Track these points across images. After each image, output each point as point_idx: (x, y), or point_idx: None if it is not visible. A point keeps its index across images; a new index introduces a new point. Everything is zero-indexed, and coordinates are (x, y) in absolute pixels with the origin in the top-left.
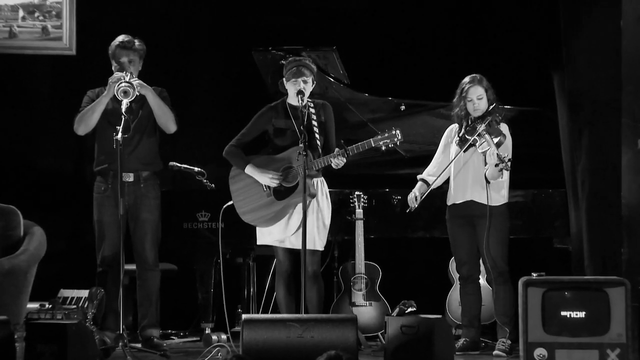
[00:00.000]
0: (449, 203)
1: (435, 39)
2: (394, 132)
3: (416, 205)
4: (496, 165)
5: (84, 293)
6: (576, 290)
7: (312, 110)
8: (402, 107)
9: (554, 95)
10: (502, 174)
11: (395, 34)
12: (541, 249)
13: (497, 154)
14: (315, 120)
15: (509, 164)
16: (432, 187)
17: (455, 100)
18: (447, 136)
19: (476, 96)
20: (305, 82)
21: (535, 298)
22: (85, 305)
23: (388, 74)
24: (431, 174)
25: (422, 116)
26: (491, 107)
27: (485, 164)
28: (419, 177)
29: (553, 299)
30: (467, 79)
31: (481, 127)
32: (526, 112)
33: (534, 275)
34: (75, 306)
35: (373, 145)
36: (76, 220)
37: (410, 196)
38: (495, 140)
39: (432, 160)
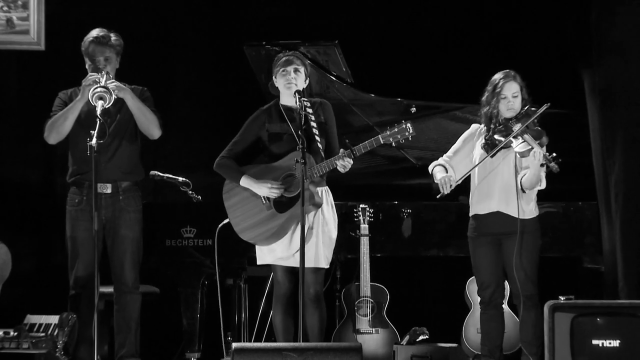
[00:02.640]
0: (471, 213)
1: (451, 33)
2: (404, 125)
3: (448, 192)
4: (542, 164)
5: (54, 319)
6: (609, 316)
7: (310, 110)
8: (413, 109)
9: (584, 96)
10: (541, 182)
11: (405, 26)
12: (570, 270)
13: (543, 154)
14: (314, 121)
15: (559, 160)
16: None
17: (485, 97)
18: (471, 133)
19: (511, 93)
20: (296, 71)
21: (563, 325)
22: (55, 333)
23: (397, 71)
24: (449, 163)
25: (435, 119)
26: (526, 107)
27: (516, 171)
28: (434, 163)
29: (583, 326)
30: (500, 75)
31: (518, 128)
32: (552, 114)
33: (562, 299)
34: (43, 334)
35: (382, 141)
36: (45, 236)
37: (444, 178)
38: (537, 140)
39: (450, 152)
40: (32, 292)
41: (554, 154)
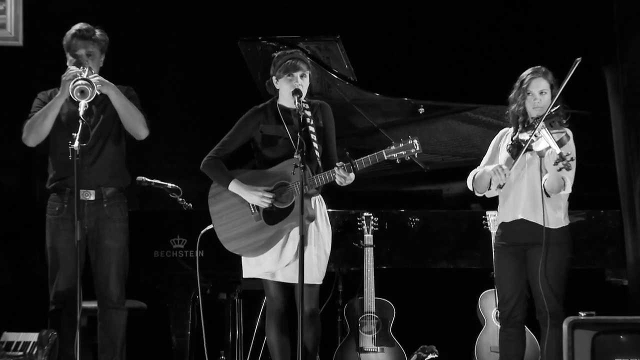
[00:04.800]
0: (497, 221)
1: (462, 28)
2: (410, 141)
3: (505, 181)
4: (555, 164)
5: (33, 337)
6: (633, 334)
7: (308, 113)
8: (421, 110)
9: (607, 96)
10: (565, 186)
11: (412, 20)
12: (591, 283)
13: (558, 153)
14: (312, 126)
15: (572, 163)
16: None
17: (512, 94)
18: (498, 140)
19: (539, 90)
20: (303, 76)
21: (583, 343)
22: (34, 352)
23: (403, 69)
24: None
25: (445, 121)
26: (557, 108)
27: (541, 174)
28: (473, 171)
29: (605, 344)
30: (529, 70)
31: (540, 124)
32: (573, 115)
33: (582, 315)
34: (21, 353)
35: (386, 157)
36: (24, 247)
37: (496, 168)
38: (557, 137)
39: (483, 161)
40: (9, 308)
41: (571, 154)
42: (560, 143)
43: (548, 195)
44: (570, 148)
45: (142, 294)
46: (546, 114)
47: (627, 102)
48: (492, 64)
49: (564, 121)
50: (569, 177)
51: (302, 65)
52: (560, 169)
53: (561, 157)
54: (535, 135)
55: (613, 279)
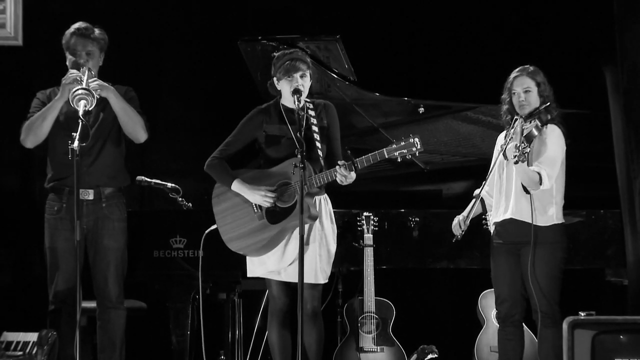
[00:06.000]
0: (492, 222)
1: (463, 27)
2: (412, 140)
3: (462, 232)
4: (514, 157)
5: (32, 336)
6: (633, 334)
7: (312, 113)
8: (421, 110)
9: (606, 96)
10: (541, 181)
11: (412, 19)
12: (591, 283)
13: (516, 145)
14: (315, 125)
15: (525, 156)
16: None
17: (503, 95)
18: (496, 145)
19: (522, 88)
20: (303, 76)
21: (583, 343)
22: (34, 352)
23: (403, 69)
24: (488, 190)
25: (445, 120)
26: (544, 106)
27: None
28: (475, 193)
29: (605, 344)
30: (516, 69)
31: (518, 121)
32: (572, 115)
33: (582, 314)
34: (21, 352)
35: (387, 156)
36: (23, 247)
37: (454, 222)
38: (526, 131)
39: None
40: (8, 307)
41: (527, 145)
42: (528, 137)
43: (527, 192)
44: (545, 144)
45: (142, 294)
46: (522, 112)
47: (627, 102)
48: (492, 64)
49: (549, 117)
50: (546, 171)
51: (302, 65)
52: (516, 162)
53: (515, 148)
54: (515, 132)
55: (613, 278)
